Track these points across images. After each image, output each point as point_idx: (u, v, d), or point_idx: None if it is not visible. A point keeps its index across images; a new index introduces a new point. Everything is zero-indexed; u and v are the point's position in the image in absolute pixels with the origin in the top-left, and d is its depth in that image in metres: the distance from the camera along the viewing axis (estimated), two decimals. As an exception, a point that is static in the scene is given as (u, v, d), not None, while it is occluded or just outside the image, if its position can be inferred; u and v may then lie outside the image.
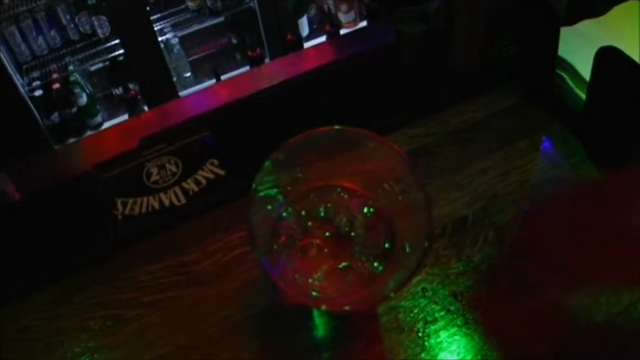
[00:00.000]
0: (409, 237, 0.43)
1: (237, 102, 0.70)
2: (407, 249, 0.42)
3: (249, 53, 1.38)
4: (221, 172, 0.59)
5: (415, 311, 0.49)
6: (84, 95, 1.38)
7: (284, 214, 0.45)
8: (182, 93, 1.36)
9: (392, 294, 0.40)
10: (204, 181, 0.58)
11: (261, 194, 0.41)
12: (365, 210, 0.45)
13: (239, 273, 0.53)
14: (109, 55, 1.40)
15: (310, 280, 0.42)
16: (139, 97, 1.31)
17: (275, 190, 0.44)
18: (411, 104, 0.65)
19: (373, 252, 0.44)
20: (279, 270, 0.42)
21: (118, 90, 1.42)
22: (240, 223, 0.56)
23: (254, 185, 0.39)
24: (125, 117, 1.39)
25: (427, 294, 0.49)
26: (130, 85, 1.33)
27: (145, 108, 1.27)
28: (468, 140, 0.61)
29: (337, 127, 0.42)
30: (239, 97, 0.71)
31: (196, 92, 0.86)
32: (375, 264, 0.43)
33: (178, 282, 0.53)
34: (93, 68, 1.45)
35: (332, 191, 0.46)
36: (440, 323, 0.48)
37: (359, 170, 0.46)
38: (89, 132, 1.39)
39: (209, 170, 0.59)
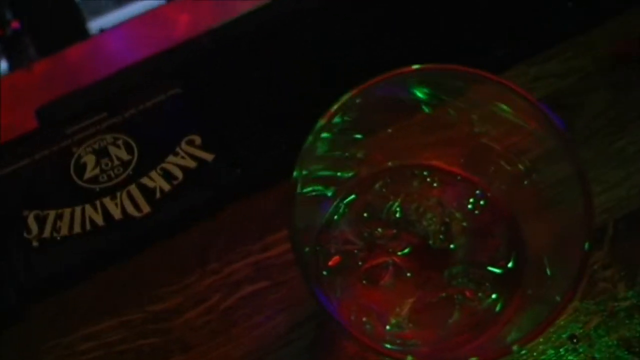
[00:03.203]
0: (547, 248, 0.47)
1: (216, 34, 0.74)
2: (547, 270, 0.46)
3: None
4: (207, 156, 0.63)
5: (562, 374, 0.53)
6: None
7: (335, 217, 0.49)
8: (95, 24, 1.40)
9: (516, 347, 0.42)
10: (179, 173, 0.63)
11: (308, 188, 0.45)
12: (471, 204, 0.50)
13: (250, 327, 0.57)
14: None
15: (387, 327, 0.47)
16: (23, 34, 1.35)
17: (319, 180, 0.48)
18: (535, 23, 0.68)
19: (487, 274, 0.48)
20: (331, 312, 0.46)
21: (-24, 25, 1.46)
22: (245, 241, 0.61)
23: (295, 173, 0.43)
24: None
25: (579, 345, 0.53)
26: (8, 16, 1.37)
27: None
28: (636, 78, 0.65)
29: (417, 66, 0.46)
30: (215, 26, 0.75)
31: (125, 22, 0.89)
32: (494, 296, 0.47)
33: (148, 348, 0.57)
34: None
35: (411, 176, 0.51)
36: (605, 394, 0.52)
37: (454, 138, 0.50)
38: None
39: (187, 155, 0.63)
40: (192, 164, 0.63)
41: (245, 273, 0.60)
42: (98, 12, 1.47)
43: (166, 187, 0.62)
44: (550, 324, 0.42)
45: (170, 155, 0.63)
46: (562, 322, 0.54)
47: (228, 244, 0.61)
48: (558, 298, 0.41)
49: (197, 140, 0.64)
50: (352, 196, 0.50)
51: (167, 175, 0.63)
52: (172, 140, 0.64)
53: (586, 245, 0.41)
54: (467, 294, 0.48)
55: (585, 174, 0.43)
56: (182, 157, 0.63)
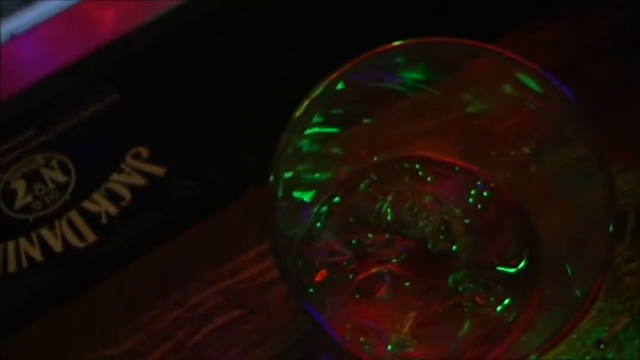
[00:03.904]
0: (563, 240, 0.47)
1: (151, 30, 0.73)
2: (566, 265, 0.46)
3: None
4: (157, 170, 0.63)
5: (588, 386, 0.53)
6: None
7: (317, 226, 0.49)
8: (3, 30, 1.39)
9: (534, 357, 0.41)
10: (127, 193, 0.62)
11: (285, 193, 0.44)
12: (472, 197, 0.50)
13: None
14: None
15: (389, 347, 0.46)
16: None
17: (296, 184, 0.48)
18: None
19: (498, 276, 0.48)
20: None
21: None
22: (210, 265, 0.60)
23: (272, 178, 0.42)
24: None
25: (607, 350, 0.54)
26: None
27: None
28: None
29: (398, 43, 0.46)
30: (149, 20, 0.74)
31: (40, 24, 0.88)
32: (507, 300, 0.47)
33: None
34: None
35: (401, 171, 0.50)
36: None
37: (446, 123, 0.50)
38: None
39: (133, 170, 0.63)
40: (140, 180, 0.62)
41: (213, 302, 0.59)
42: (3, 14, 1.45)
43: (113, 210, 0.62)
44: (573, 327, 0.41)
45: (114, 172, 0.63)
46: (585, 326, 0.54)
47: (191, 270, 0.60)
48: (579, 294, 0.41)
49: (144, 152, 0.63)
50: (335, 200, 0.50)
51: (113, 196, 0.62)
52: (115, 155, 0.63)
53: (610, 227, 0.41)
54: (478, 300, 0.48)
55: (603, 150, 0.43)
56: (129, 174, 0.62)
